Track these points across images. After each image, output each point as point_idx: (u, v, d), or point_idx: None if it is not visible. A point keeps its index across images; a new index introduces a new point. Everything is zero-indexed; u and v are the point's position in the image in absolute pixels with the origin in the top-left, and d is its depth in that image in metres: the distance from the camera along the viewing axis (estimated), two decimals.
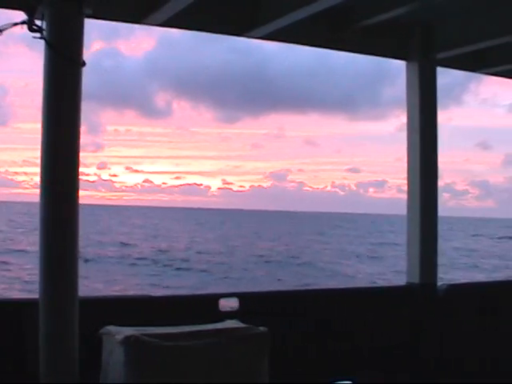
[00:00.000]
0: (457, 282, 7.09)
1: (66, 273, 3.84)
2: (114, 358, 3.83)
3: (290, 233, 74.09)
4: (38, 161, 3.85)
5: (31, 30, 3.80)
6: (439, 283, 5.53)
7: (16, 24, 3.81)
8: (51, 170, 3.86)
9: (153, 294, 4.86)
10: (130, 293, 24.30)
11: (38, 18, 3.81)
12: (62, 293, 3.83)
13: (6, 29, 3.85)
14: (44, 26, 3.80)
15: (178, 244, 52.99)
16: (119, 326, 3.94)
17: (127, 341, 3.72)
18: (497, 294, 5.88)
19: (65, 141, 3.87)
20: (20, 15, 3.82)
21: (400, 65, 5.61)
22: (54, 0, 3.79)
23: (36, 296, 3.89)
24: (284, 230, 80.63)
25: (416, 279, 5.41)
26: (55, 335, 3.81)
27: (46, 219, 3.85)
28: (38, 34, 3.80)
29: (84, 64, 3.86)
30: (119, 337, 3.76)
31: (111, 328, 3.94)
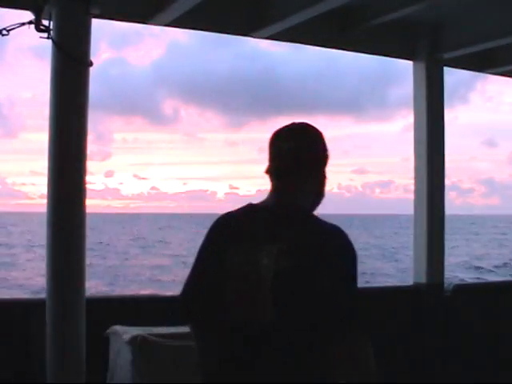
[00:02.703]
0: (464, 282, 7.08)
1: (73, 273, 3.84)
2: (121, 358, 3.83)
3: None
4: (45, 171, 3.84)
5: (38, 29, 3.79)
6: (446, 283, 5.51)
7: (23, 24, 3.81)
8: (58, 168, 3.86)
9: (160, 293, 4.85)
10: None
11: (46, 18, 3.81)
12: (69, 293, 3.83)
13: (14, 29, 3.85)
14: (51, 26, 3.79)
15: None
16: (126, 325, 3.94)
17: (134, 340, 3.71)
18: (504, 295, 5.86)
19: (72, 139, 3.87)
20: (27, 15, 3.83)
21: (406, 65, 5.60)
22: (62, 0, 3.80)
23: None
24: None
25: (423, 279, 5.39)
26: (62, 335, 3.80)
27: (53, 223, 3.84)
28: (45, 34, 3.79)
29: (91, 64, 3.86)
30: (126, 336, 3.76)
31: (118, 328, 3.94)
